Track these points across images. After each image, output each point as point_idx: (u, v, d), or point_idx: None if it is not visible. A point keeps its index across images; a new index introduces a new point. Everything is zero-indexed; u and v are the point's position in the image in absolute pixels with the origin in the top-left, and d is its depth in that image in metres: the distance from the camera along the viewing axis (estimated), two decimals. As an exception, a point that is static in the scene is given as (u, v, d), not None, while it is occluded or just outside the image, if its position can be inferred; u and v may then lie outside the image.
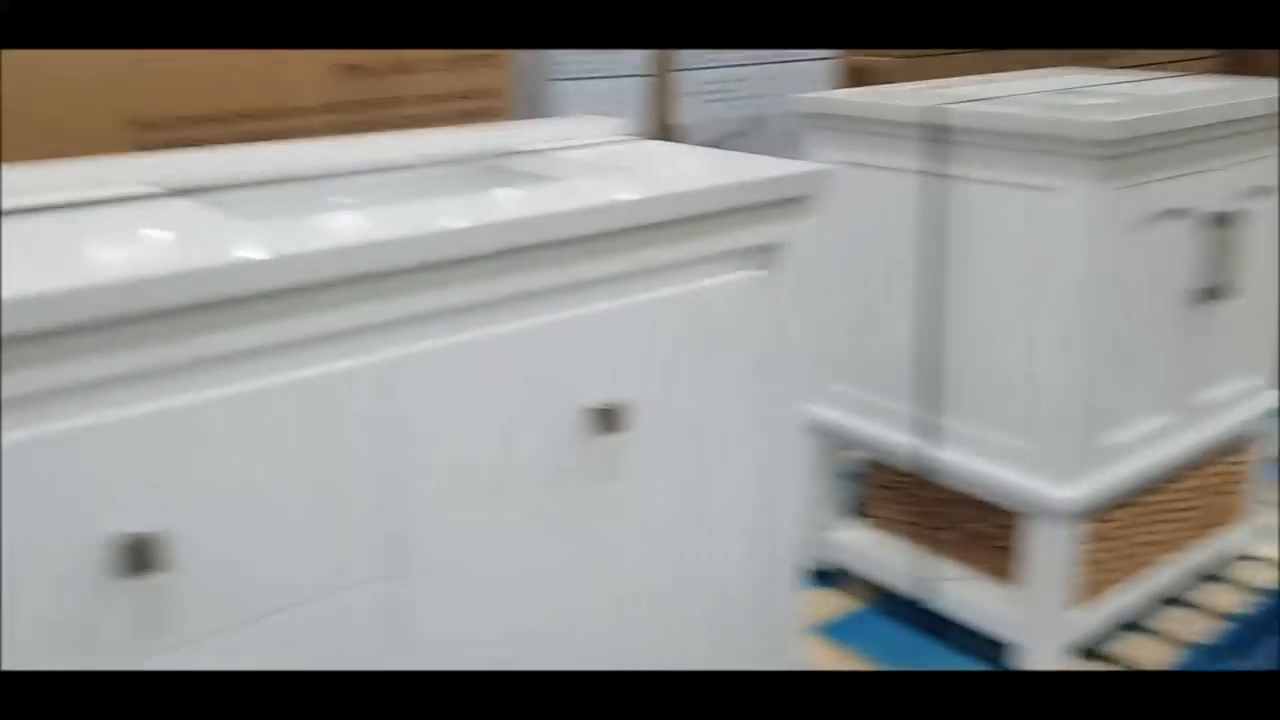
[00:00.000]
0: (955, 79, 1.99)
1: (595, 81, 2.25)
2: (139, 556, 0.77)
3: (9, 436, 0.72)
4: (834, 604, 1.89)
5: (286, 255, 0.80)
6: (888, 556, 1.86)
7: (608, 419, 0.99)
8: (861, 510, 1.97)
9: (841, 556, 1.92)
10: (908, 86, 1.85)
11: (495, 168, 1.20)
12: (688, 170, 1.11)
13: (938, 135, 1.59)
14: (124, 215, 0.93)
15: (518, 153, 1.23)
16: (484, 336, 0.92)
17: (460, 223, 0.88)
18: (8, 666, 0.75)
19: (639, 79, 2.33)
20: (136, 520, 0.78)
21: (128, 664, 0.79)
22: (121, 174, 1.07)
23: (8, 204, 0.95)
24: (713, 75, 2.41)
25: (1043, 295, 1.53)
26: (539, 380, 0.96)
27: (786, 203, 1.08)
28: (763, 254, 1.09)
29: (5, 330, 0.69)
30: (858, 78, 2.57)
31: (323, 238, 0.83)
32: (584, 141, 1.28)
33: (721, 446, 1.11)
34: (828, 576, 1.95)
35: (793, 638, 1.24)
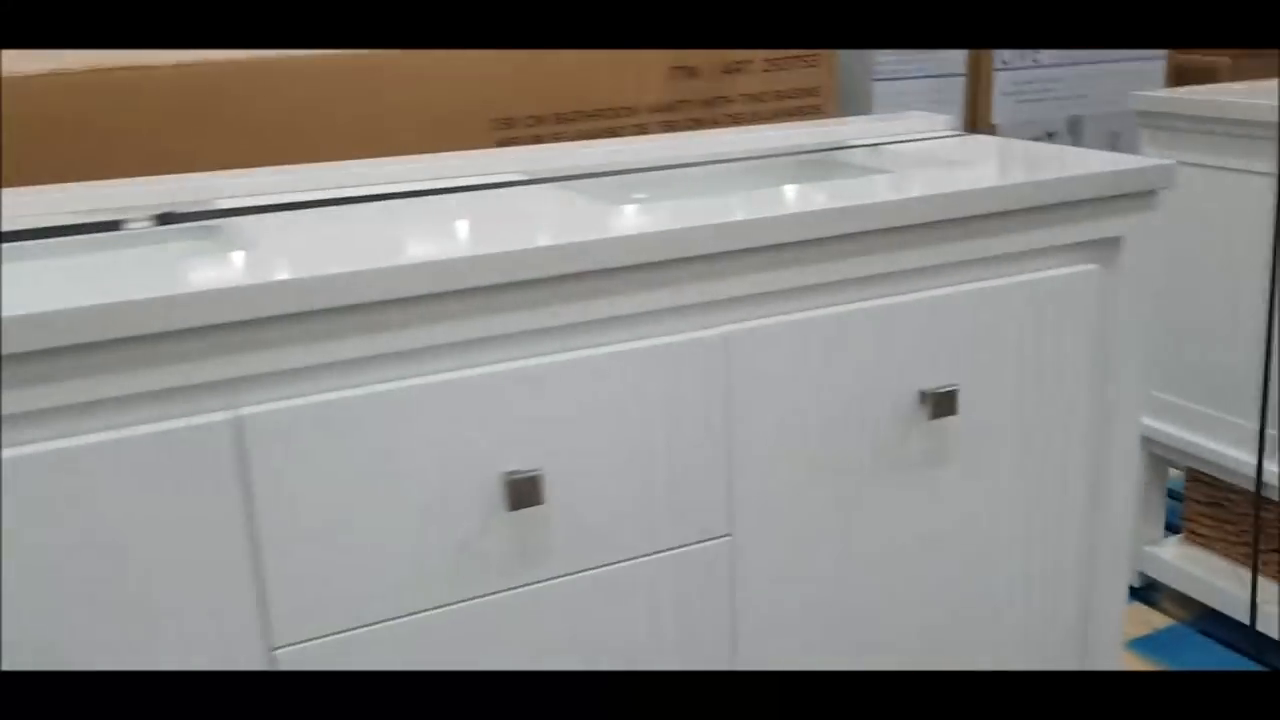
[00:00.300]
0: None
1: (913, 81, 2.26)
2: (523, 492, 0.87)
3: (433, 379, 0.84)
4: (1151, 620, 1.82)
5: (668, 230, 0.88)
6: (1208, 574, 1.77)
7: (939, 403, 1.02)
8: (1182, 525, 1.89)
9: (1160, 571, 1.85)
10: (1238, 86, 1.76)
11: (828, 160, 1.25)
12: (1026, 163, 1.12)
13: (1286, 132, 1.51)
14: (500, 197, 1.04)
15: (851, 146, 1.27)
16: (821, 316, 0.97)
17: (810, 205, 0.94)
18: (416, 586, 0.87)
19: (956, 79, 2.32)
20: (523, 462, 0.88)
21: (510, 584, 0.90)
22: (490, 164, 1.19)
23: (405, 187, 1.09)
24: (1029, 75, 2.37)
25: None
26: (873, 360, 1.00)
27: (1126, 198, 1.07)
28: (1099, 249, 1.09)
29: (445, 286, 0.81)
30: (1179, 78, 2.46)
31: (689, 217, 0.91)
32: (915, 136, 1.31)
33: (1052, 439, 1.11)
34: (1145, 591, 1.88)
35: (1113, 644, 1.22)
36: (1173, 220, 1.68)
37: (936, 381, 1.03)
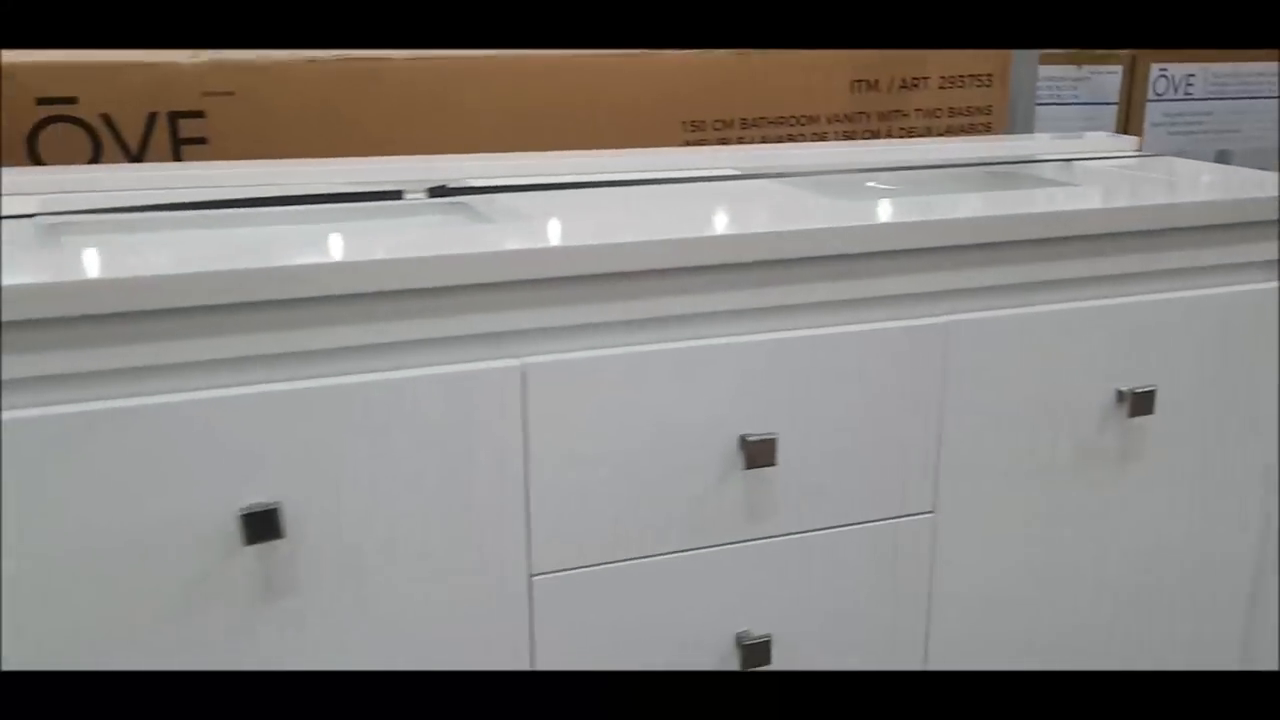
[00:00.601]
0: None
1: (1069, 107, 2.32)
2: (758, 454, 0.96)
3: (690, 344, 0.93)
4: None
5: (917, 222, 0.97)
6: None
7: (1137, 402, 1.09)
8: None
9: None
10: None
11: (1017, 173, 1.33)
12: (1215, 183, 1.19)
13: None
14: (731, 189, 1.14)
15: (1040, 160, 1.35)
16: (1034, 313, 1.05)
17: (1014, 210, 1.02)
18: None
19: (1110, 106, 2.37)
20: (760, 426, 0.97)
21: (739, 537, 0.99)
22: (676, 161, 1.28)
23: (599, 177, 1.19)
24: (1180, 108, 2.41)
25: None
26: (1077, 357, 1.07)
27: (1320, 217, 1.13)
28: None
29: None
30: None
31: (924, 212, 0.99)
32: (1101, 154, 1.37)
33: (1234, 446, 1.17)
34: None
35: (1273, 651, 1.27)
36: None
37: (1134, 382, 1.10)
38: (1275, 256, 1.14)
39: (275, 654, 0.88)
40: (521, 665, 0.96)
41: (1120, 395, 1.09)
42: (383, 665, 0.92)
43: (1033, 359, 1.06)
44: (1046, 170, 1.32)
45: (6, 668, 0.82)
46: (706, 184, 1.18)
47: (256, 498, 0.84)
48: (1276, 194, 1.11)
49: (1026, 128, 1.94)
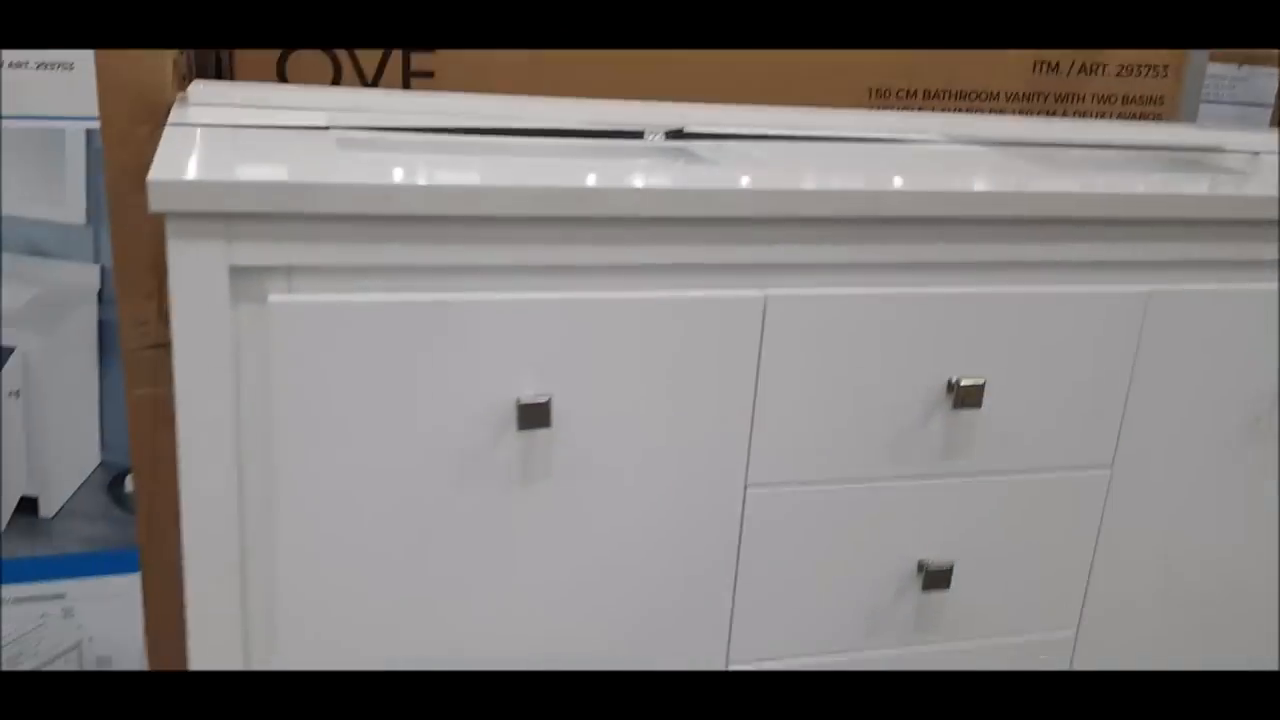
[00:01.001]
0: None
1: (1225, 106, 2.34)
2: (966, 397, 1.05)
3: (904, 290, 1.02)
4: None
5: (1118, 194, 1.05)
6: None
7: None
8: None
9: None
10: None
11: (1203, 161, 1.39)
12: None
13: None
14: (921, 150, 1.22)
15: (1229, 151, 1.40)
16: (1230, 290, 1.12)
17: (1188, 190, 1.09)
18: (866, 458, 1.05)
19: (1264, 108, 2.39)
20: (959, 371, 1.05)
21: (941, 472, 1.08)
22: (858, 122, 1.37)
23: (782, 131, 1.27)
24: (1341, 112, 2.42)
25: None
26: (1249, 333, 1.14)
27: None
28: None
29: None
30: None
31: (1125, 186, 1.07)
32: (1257, 148, 1.43)
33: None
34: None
35: None
36: None
37: None
38: None
39: (528, 529, 0.99)
40: (728, 567, 1.07)
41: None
42: (613, 550, 1.02)
43: (1234, 337, 1.13)
44: (1232, 161, 1.38)
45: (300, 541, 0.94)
46: (917, 145, 1.26)
47: (529, 391, 0.95)
48: None
49: (1190, 121, 1.98)
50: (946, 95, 1.74)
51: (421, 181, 0.89)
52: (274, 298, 0.89)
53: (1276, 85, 2.40)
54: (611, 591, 1.04)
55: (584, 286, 0.96)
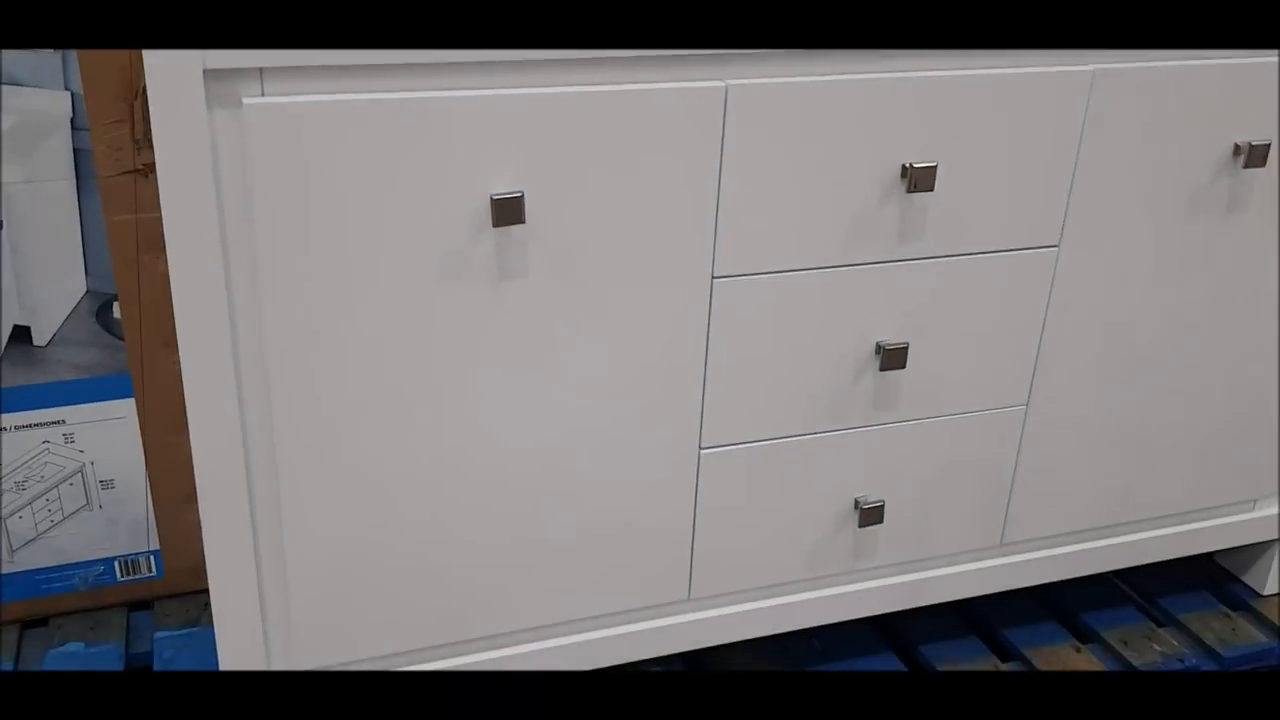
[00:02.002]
0: None
1: None
2: (920, 179, 1.10)
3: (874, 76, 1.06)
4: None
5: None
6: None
7: (1255, 155, 1.21)
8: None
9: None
10: None
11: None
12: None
13: None
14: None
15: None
16: (1174, 69, 1.16)
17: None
18: (825, 242, 1.10)
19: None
20: (915, 155, 1.10)
21: (893, 257, 1.13)
22: None
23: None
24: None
25: None
26: (1192, 111, 1.19)
27: None
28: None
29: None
30: None
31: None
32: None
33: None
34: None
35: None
36: None
37: (1254, 135, 1.21)
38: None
39: (508, 324, 1.05)
40: (698, 355, 1.13)
41: (1236, 148, 1.21)
42: (591, 340, 1.08)
43: (1170, 112, 1.18)
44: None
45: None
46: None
47: (503, 187, 0.99)
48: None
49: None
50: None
51: (385, -21, 0.91)
52: (248, 100, 0.92)
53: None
54: (590, 381, 1.10)
55: (554, 82, 0.99)
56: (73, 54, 1.22)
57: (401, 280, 1.00)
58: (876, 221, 1.13)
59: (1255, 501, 1.49)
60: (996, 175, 1.15)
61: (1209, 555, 1.62)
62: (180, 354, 0.98)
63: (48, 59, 1.21)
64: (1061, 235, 1.20)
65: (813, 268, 1.13)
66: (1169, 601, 1.55)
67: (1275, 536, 1.52)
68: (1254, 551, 1.57)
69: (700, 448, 1.18)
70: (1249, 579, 1.58)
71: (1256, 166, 1.22)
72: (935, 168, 1.11)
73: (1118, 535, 1.43)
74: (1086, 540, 1.42)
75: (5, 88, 1.21)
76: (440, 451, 1.08)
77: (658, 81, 1.02)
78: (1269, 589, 1.56)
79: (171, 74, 0.89)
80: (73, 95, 1.24)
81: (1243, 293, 1.32)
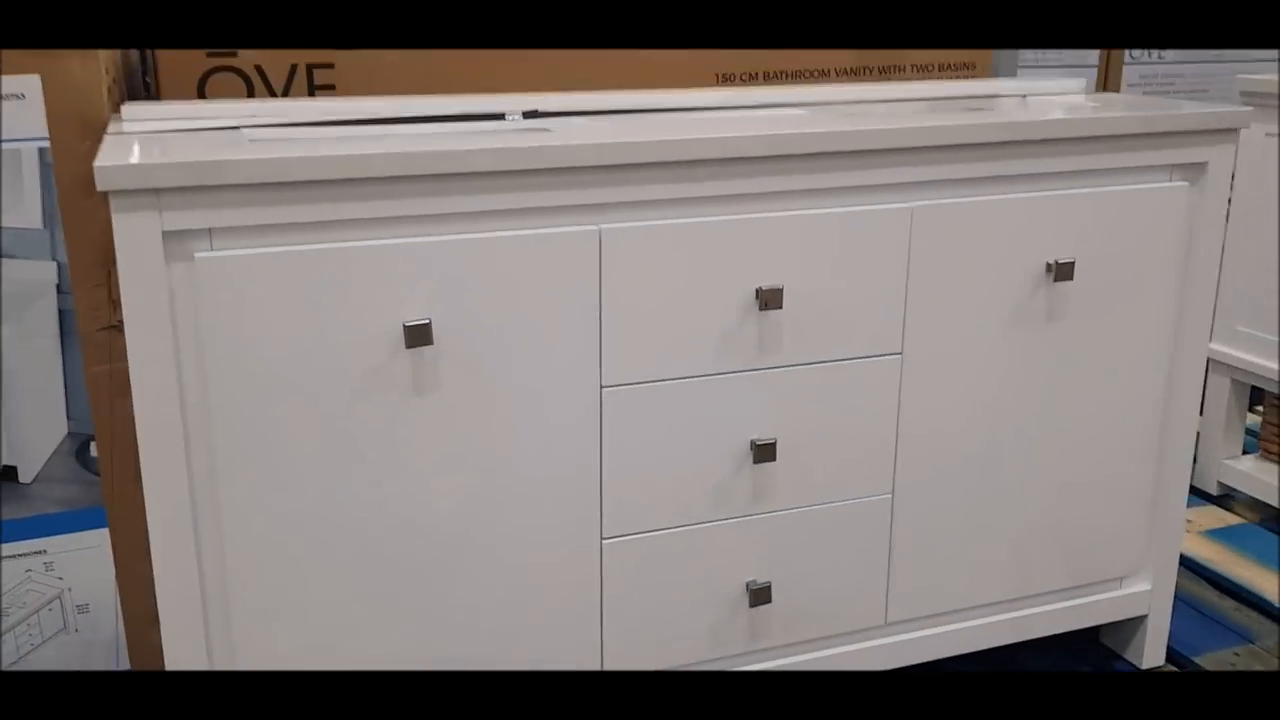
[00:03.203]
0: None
1: (1049, 70, 2.63)
2: (769, 299, 1.30)
3: (701, 220, 1.27)
4: (1226, 518, 2.18)
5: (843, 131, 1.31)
6: (1274, 482, 2.13)
7: (1060, 271, 1.42)
8: (1257, 445, 2.24)
9: (1237, 481, 2.21)
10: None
11: (985, 105, 1.66)
12: (1137, 105, 1.52)
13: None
14: (733, 115, 1.48)
15: (1003, 96, 1.68)
16: (981, 201, 1.38)
17: (933, 124, 1.36)
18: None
19: (1090, 69, 2.69)
20: (766, 280, 1.31)
21: (756, 366, 1.33)
22: (726, 98, 1.62)
23: (641, 104, 1.52)
24: (1153, 69, 2.73)
25: None
26: (1014, 237, 1.41)
27: (1210, 132, 1.46)
28: (1190, 170, 1.48)
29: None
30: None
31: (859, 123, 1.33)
32: (1054, 92, 1.71)
33: (1144, 319, 1.50)
34: (1223, 498, 2.24)
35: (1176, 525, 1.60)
36: (1261, 182, 2.04)
37: (1055, 257, 1.43)
38: (1181, 161, 1.47)
39: (422, 433, 1.23)
40: (593, 456, 1.31)
41: (1049, 266, 1.43)
42: (495, 443, 1.27)
43: (996, 241, 1.40)
44: (1005, 105, 1.65)
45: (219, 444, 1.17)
46: (738, 110, 1.52)
47: (414, 316, 1.19)
48: (1180, 112, 1.44)
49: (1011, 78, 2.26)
50: (782, 75, 2.01)
51: (314, 154, 1.13)
52: (200, 255, 1.12)
53: (1098, 51, 2.70)
54: (494, 478, 1.28)
55: (455, 230, 1.20)
56: (59, 228, 1.44)
57: (331, 396, 1.19)
58: (739, 336, 1.33)
59: (1122, 579, 1.66)
60: (838, 295, 1.36)
61: (1094, 633, 1.77)
62: (144, 479, 1.17)
63: (36, 234, 1.43)
64: (903, 344, 1.41)
65: (688, 376, 1.33)
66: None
67: (1145, 613, 1.68)
68: (1130, 627, 1.72)
69: (602, 538, 1.35)
70: (1129, 654, 1.73)
71: (1066, 280, 1.43)
72: (781, 290, 1.32)
73: (995, 614, 1.59)
74: (967, 619, 1.58)
75: (4, 260, 1.43)
76: (371, 542, 1.25)
77: (542, 227, 1.23)
78: (1147, 663, 1.71)
79: (136, 234, 1.10)
80: (59, 265, 1.45)
81: (1073, 388, 1.51)
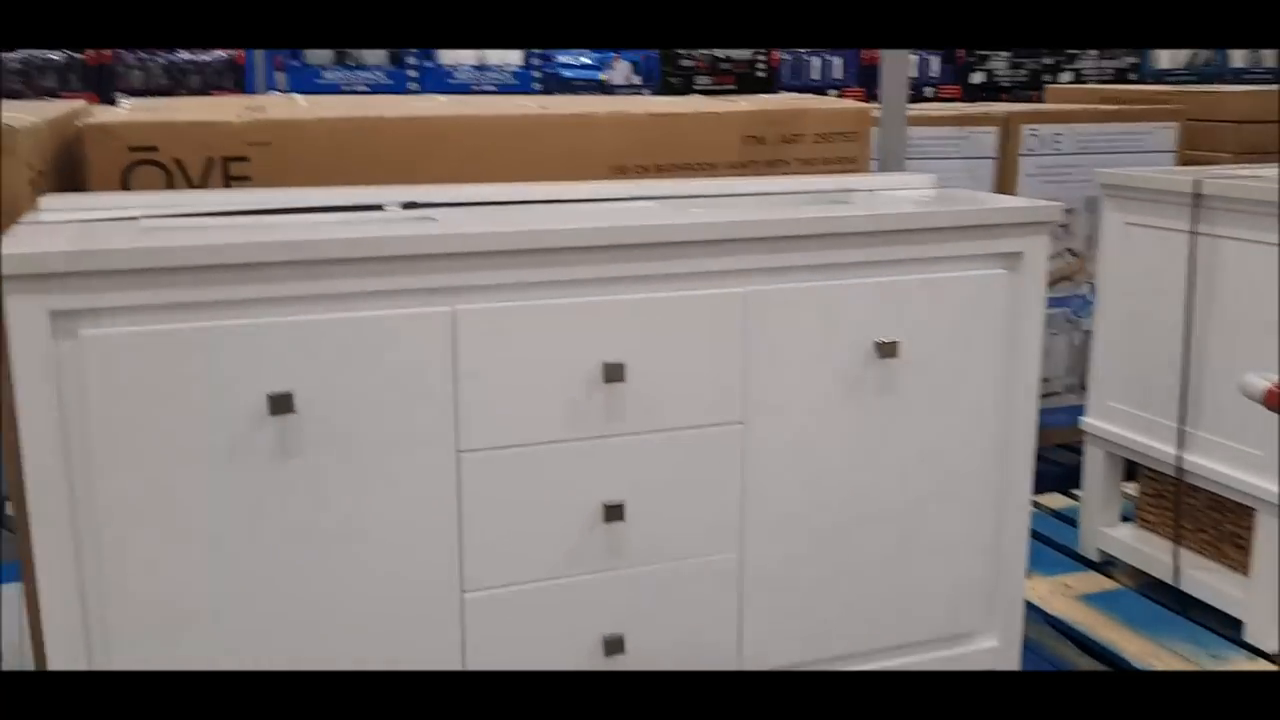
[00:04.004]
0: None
1: (949, 162, 2.81)
2: (613, 374, 1.44)
3: (559, 301, 1.42)
4: (1105, 583, 2.30)
5: (716, 223, 1.46)
6: (1150, 550, 2.25)
7: (886, 350, 1.57)
8: (1135, 515, 2.37)
9: (1115, 549, 2.33)
10: (1180, 169, 2.25)
11: (838, 198, 1.82)
12: (964, 201, 1.67)
13: (1198, 202, 2.03)
14: (607, 207, 1.63)
15: (855, 190, 1.84)
16: (818, 286, 1.54)
17: (793, 216, 1.51)
18: (549, 421, 1.44)
19: (988, 160, 2.86)
20: (612, 355, 1.45)
21: (603, 433, 1.47)
22: (601, 190, 1.78)
23: (529, 198, 1.68)
24: (1050, 160, 2.90)
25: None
26: (842, 322, 1.56)
27: (1025, 225, 1.62)
28: (1007, 259, 1.63)
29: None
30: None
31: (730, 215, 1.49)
32: (904, 187, 1.87)
33: (972, 393, 1.64)
34: (1103, 565, 2.36)
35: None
36: (1124, 267, 2.19)
37: (890, 336, 1.58)
38: (999, 251, 1.63)
39: (293, 497, 1.37)
40: (451, 518, 1.44)
41: (877, 346, 1.57)
42: (354, 505, 1.40)
43: (826, 324, 1.55)
44: (858, 196, 1.81)
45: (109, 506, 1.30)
46: (606, 202, 1.68)
47: (278, 387, 1.33)
48: (996, 206, 1.60)
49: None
50: (674, 168, 2.18)
51: (183, 243, 1.28)
52: (84, 331, 1.27)
53: (994, 141, 2.88)
54: (354, 539, 1.41)
55: (319, 311, 1.35)
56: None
57: (203, 461, 1.33)
58: (587, 406, 1.47)
59: (970, 635, 1.78)
60: (677, 369, 1.50)
61: (953, 691, 1.88)
62: (32, 534, 1.30)
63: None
64: (744, 414, 1.55)
65: (539, 442, 1.47)
66: (913, 730, 1.80)
67: (992, 667, 1.79)
68: (983, 683, 1.83)
69: (463, 591, 1.47)
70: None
71: (890, 357, 1.58)
72: (623, 365, 1.46)
73: (846, 665, 1.71)
74: (820, 670, 1.69)
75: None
76: (239, 591, 1.38)
77: (400, 308, 1.38)
78: (999, 716, 1.82)
79: (25, 314, 1.24)
80: (-22, 339, 1.60)
81: (908, 456, 1.65)
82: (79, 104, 2.17)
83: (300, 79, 4.85)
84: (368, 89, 4.94)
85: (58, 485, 1.29)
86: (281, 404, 1.34)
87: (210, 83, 4.84)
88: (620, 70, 5.75)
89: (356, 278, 1.36)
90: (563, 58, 5.40)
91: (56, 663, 1.33)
